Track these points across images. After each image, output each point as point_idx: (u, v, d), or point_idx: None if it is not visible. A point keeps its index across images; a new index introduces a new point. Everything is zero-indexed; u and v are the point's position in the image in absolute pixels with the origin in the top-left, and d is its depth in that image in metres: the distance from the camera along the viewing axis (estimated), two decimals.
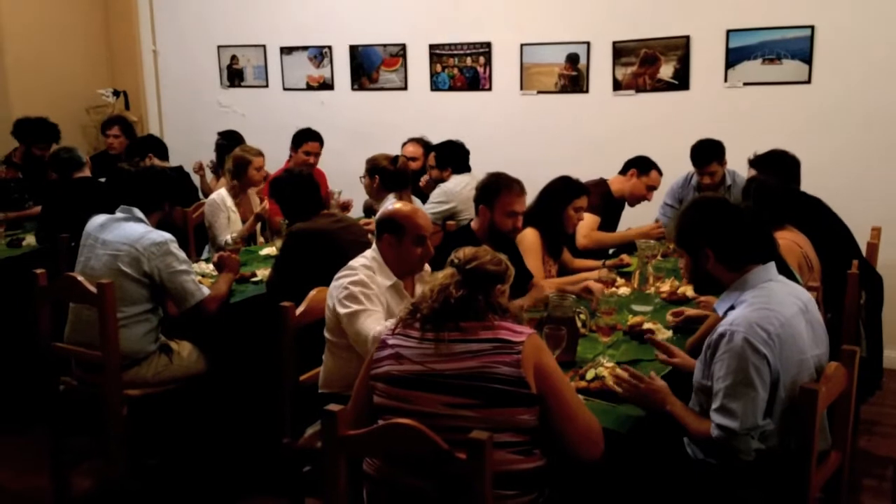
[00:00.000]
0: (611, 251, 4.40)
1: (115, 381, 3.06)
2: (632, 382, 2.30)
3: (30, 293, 3.20)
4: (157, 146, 5.27)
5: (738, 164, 4.48)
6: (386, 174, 4.18)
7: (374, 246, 2.85)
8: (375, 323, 2.59)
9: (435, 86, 5.85)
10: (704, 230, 2.27)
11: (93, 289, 2.99)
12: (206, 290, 3.28)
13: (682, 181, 4.74)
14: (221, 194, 4.56)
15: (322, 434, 1.89)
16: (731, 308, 2.22)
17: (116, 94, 6.73)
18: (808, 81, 4.77)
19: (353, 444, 1.85)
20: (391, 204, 2.93)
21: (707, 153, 4.48)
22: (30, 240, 4.47)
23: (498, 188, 3.36)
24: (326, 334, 2.77)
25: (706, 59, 5.03)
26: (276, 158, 5.23)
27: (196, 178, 5.61)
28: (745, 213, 2.28)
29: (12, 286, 3.97)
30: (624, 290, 3.49)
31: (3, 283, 4.13)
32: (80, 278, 3.08)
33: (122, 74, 6.95)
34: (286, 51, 6.33)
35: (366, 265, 2.77)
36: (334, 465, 1.86)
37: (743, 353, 2.08)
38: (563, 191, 3.77)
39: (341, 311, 2.66)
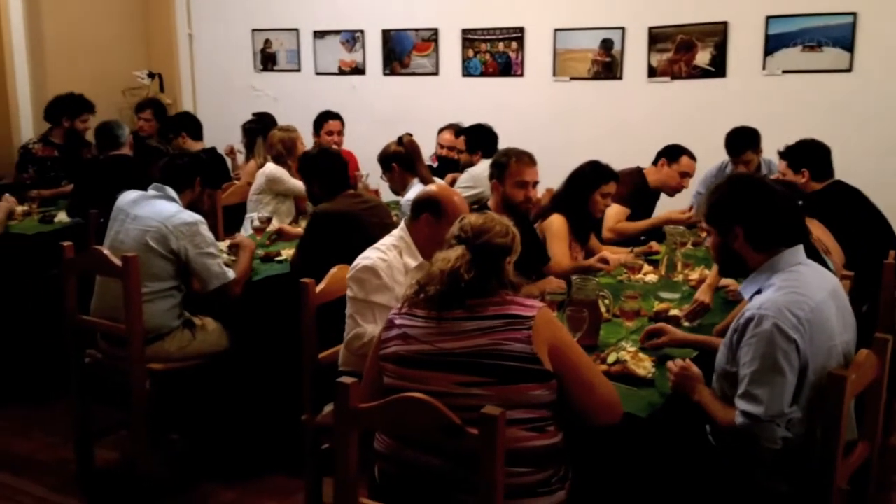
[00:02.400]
0: (642, 237, 4.32)
1: (138, 355, 3.08)
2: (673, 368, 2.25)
3: (59, 267, 3.25)
4: (192, 125, 5.29)
5: (775, 154, 4.37)
6: (401, 157, 4.15)
7: (402, 224, 2.80)
8: (363, 319, 2.61)
9: (466, 71, 5.81)
10: (736, 207, 2.21)
11: (118, 262, 3.01)
12: (231, 274, 3.29)
13: (716, 170, 4.64)
14: (275, 166, 4.60)
15: (334, 407, 1.87)
16: (758, 292, 2.16)
17: (152, 76, 6.79)
18: (850, 70, 4.65)
19: (366, 417, 1.83)
20: (432, 185, 2.90)
21: (742, 141, 4.39)
22: (61, 216, 4.52)
23: (507, 160, 3.32)
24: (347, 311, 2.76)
25: (744, 46, 4.93)
26: (306, 142, 5.23)
27: (228, 161, 5.64)
28: (779, 194, 2.21)
29: (44, 261, 4.03)
30: (651, 278, 3.42)
31: (35, 258, 4.19)
32: (105, 251, 3.10)
33: (157, 57, 7.02)
34: (319, 35, 6.33)
35: (394, 244, 2.74)
36: (346, 439, 1.84)
37: (772, 338, 2.01)
38: (590, 175, 3.71)
39: (347, 292, 2.66)
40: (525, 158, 3.34)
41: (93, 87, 6.00)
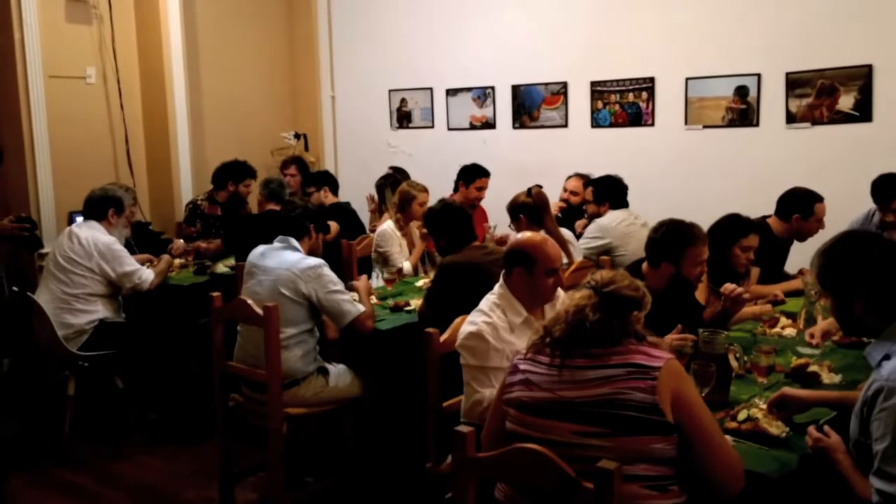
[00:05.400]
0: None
1: (276, 400, 3.25)
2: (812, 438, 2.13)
3: (208, 316, 3.50)
4: (332, 181, 5.63)
5: None
6: (528, 209, 4.19)
7: (500, 281, 2.82)
8: (480, 385, 2.63)
9: (595, 122, 5.82)
10: (852, 272, 2.02)
11: (259, 311, 3.22)
12: (360, 308, 3.46)
13: (863, 218, 4.39)
14: (391, 225, 4.80)
15: (452, 455, 1.91)
16: (886, 357, 1.97)
17: (297, 136, 7.23)
18: None
19: (482, 467, 1.86)
20: (518, 235, 2.91)
21: (890, 188, 4.14)
22: (214, 268, 4.85)
23: (683, 244, 3.12)
24: None
25: (892, 89, 4.67)
26: (440, 196, 5.36)
27: (366, 214, 5.91)
28: None
29: (196, 310, 4.33)
30: (789, 332, 3.27)
31: (189, 307, 4.52)
32: (249, 301, 3.33)
33: (302, 118, 7.47)
34: (451, 92, 6.55)
35: (496, 303, 2.76)
36: (463, 487, 1.87)
37: None
38: (729, 229, 3.59)
39: (460, 360, 2.70)
40: (699, 237, 3.16)
41: (244, 149, 6.46)
